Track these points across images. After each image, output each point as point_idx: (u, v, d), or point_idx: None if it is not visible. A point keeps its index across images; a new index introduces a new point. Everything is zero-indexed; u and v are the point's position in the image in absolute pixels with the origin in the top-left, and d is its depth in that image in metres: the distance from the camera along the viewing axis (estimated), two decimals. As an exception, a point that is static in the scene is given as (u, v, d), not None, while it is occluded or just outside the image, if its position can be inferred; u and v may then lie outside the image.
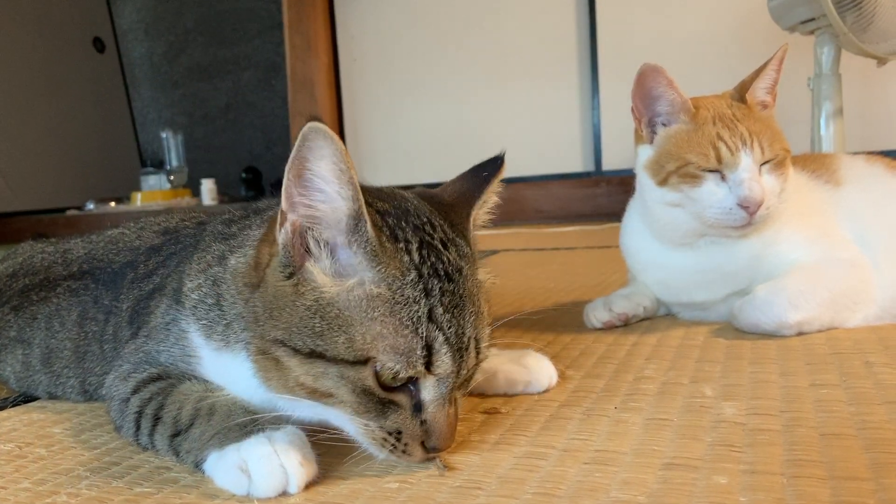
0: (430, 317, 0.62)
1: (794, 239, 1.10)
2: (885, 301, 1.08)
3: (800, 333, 1.05)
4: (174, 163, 4.94)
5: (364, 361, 0.61)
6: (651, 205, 1.14)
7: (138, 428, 0.73)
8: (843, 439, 0.67)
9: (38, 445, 0.79)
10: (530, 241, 2.73)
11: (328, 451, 0.68)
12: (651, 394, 0.84)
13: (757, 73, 1.11)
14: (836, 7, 1.99)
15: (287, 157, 0.61)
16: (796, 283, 1.05)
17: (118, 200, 4.71)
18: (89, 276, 0.97)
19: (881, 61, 2.14)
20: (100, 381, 0.88)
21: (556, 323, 1.25)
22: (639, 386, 0.87)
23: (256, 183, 4.93)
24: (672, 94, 1.08)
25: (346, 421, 0.65)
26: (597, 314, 1.19)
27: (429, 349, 0.61)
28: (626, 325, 1.20)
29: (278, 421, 0.66)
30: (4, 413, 0.91)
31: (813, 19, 2.15)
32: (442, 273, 0.64)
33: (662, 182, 1.10)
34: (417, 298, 0.61)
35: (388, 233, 0.64)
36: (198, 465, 0.66)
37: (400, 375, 0.61)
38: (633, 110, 1.14)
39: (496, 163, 0.75)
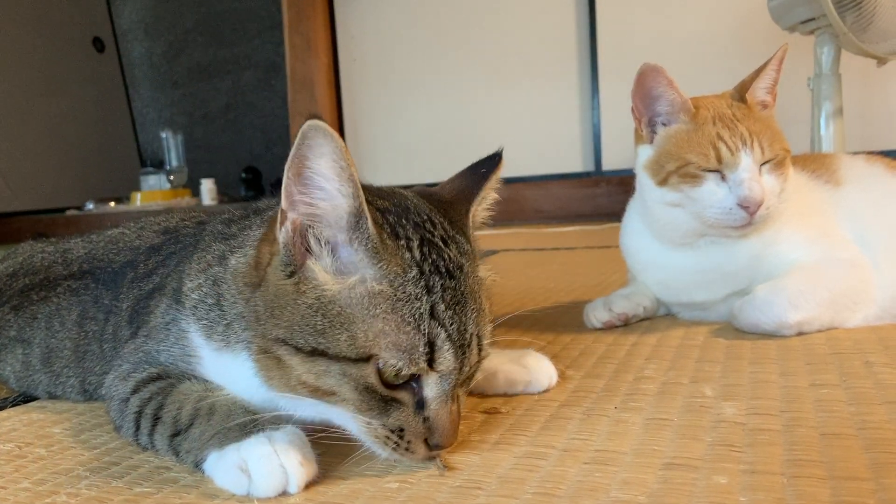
0: (433, 313, 0.62)
1: (794, 239, 1.10)
2: (885, 301, 1.08)
3: (800, 333, 1.05)
4: (174, 163, 4.94)
5: (366, 359, 0.61)
6: (651, 205, 1.14)
7: (138, 428, 0.73)
8: (843, 439, 0.67)
9: (38, 445, 0.79)
10: (530, 241, 2.73)
11: (328, 450, 0.68)
12: (651, 394, 0.84)
13: (757, 73, 1.11)
14: (836, 7, 1.99)
15: (287, 156, 0.60)
16: (796, 283, 1.05)
17: (118, 200, 4.72)
18: (89, 276, 0.97)
19: (881, 61, 2.14)
20: (99, 380, 0.88)
21: (556, 323, 1.25)
22: (639, 386, 0.87)
23: (256, 183, 4.93)
24: (672, 93, 1.08)
25: (349, 419, 0.64)
26: (597, 314, 1.19)
27: (431, 346, 0.61)
28: (626, 325, 1.20)
29: (278, 421, 0.66)
30: (4, 413, 0.91)
31: (813, 19, 2.15)
32: (443, 270, 0.64)
33: (662, 182, 1.10)
34: (419, 295, 0.61)
35: (388, 230, 0.64)
36: (197, 465, 0.66)
37: (403, 372, 0.61)
38: (633, 110, 1.14)
39: (494, 159, 0.75)
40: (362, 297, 0.61)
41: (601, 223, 3.14)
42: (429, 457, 0.65)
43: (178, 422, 0.69)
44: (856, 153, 1.27)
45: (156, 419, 0.71)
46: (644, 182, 1.15)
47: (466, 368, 0.65)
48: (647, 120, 1.13)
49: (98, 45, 5.55)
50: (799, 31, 2.27)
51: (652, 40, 3.30)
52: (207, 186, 4.50)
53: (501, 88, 3.69)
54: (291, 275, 0.63)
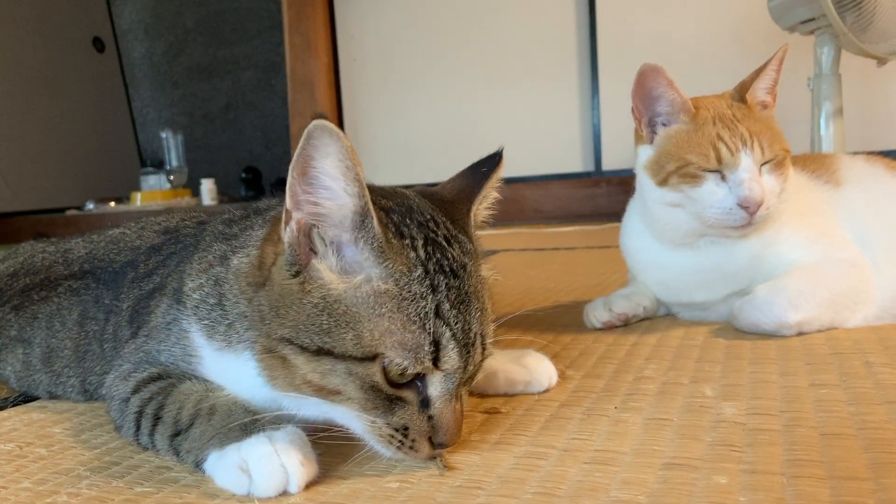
0: (438, 313, 0.62)
1: (794, 239, 1.10)
2: (885, 301, 1.09)
3: (800, 333, 1.05)
4: (174, 163, 4.95)
5: (372, 358, 0.61)
6: (651, 205, 1.14)
7: (138, 428, 0.73)
8: (843, 439, 0.67)
9: (39, 445, 0.79)
10: (530, 241, 2.73)
11: (328, 450, 0.68)
12: (651, 394, 0.84)
13: (757, 74, 1.11)
14: (836, 7, 1.99)
15: (287, 156, 0.61)
16: (796, 283, 1.05)
17: (118, 200, 4.72)
18: (90, 276, 0.97)
19: (881, 61, 2.14)
20: (100, 380, 0.88)
21: (556, 323, 1.25)
22: (639, 386, 0.87)
23: (256, 183, 4.93)
24: (672, 94, 1.08)
25: (353, 418, 0.64)
26: (597, 314, 1.20)
27: (436, 345, 0.61)
28: (626, 325, 1.20)
29: (279, 420, 0.66)
30: (5, 413, 0.92)
31: (813, 19, 2.15)
32: (447, 269, 0.64)
33: (662, 182, 1.10)
34: (424, 294, 0.62)
35: (393, 229, 0.64)
36: (198, 465, 0.66)
37: (408, 371, 0.61)
38: (633, 110, 1.14)
39: (495, 159, 0.75)
40: (368, 297, 0.61)
41: (601, 223, 3.14)
42: (432, 455, 0.65)
43: (178, 422, 0.69)
44: (856, 153, 1.27)
45: (156, 419, 0.71)
46: (644, 182, 1.15)
47: (470, 367, 0.65)
48: (647, 120, 1.13)
49: (98, 45, 5.55)
50: (799, 31, 2.27)
51: (652, 40, 3.30)
52: (207, 186, 4.50)
53: (501, 88, 3.69)
54: (297, 274, 0.63)
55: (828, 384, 0.83)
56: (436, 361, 0.62)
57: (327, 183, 0.61)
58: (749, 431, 0.70)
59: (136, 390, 0.75)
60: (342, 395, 0.63)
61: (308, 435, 0.66)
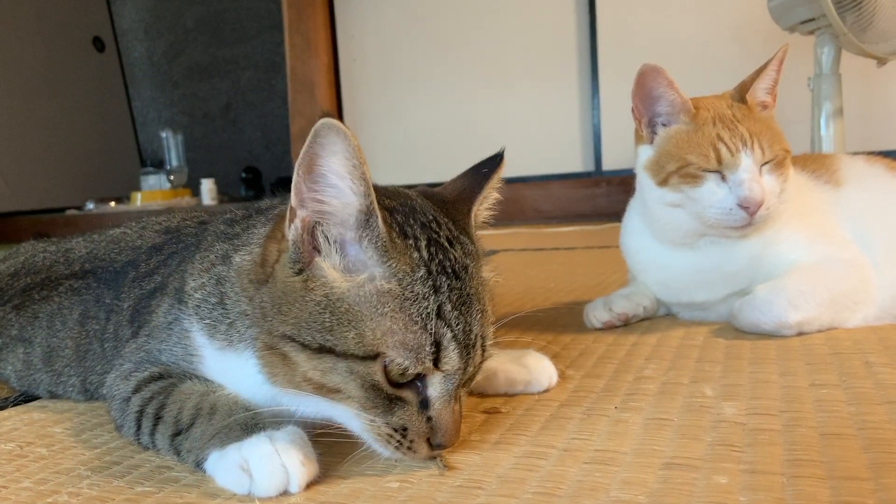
0: (439, 313, 0.62)
1: (794, 239, 1.10)
2: (885, 301, 1.09)
3: (800, 333, 1.05)
4: (174, 163, 4.95)
5: (373, 357, 0.61)
6: (651, 205, 1.14)
7: (139, 427, 0.73)
8: (843, 439, 0.67)
9: (39, 445, 0.79)
10: (530, 241, 2.73)
11: (329, 450, 0.68)
12: (651, 394, 0.84)
13: (757, 74, 1.11)
14: (836, 7, 1.99)
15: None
16: (796, 283, 1.05)
17: (118, 200, 4.72)
18: (91, 276, 0.97)
19: (881, 61, 2.14)
20: (101, 380, 0.88)
21: (556, 323, 1.25)
22: (639, 386, 0.87)
23: (256, 183, 4.93)
24: (672, 94, 1.08)
25: (352, 417, 0.65)
26: (597, 314, 1.20)
27: (437, 346, 0.62)
28: (626, 325, 1.20)
29: (279, 419, 0.66)
30: (5, 412, 0.92)
31: (813, 19, 2.15)
32: (449, 270, 0.64)
33: (663, 182, 1.10)
34: (427, 295, 0.62)
35: (397, 229, 0.64)
36: (199, 465, 0.66)
37: (409, 371, 0.61)
38: (633, 110, 1.14)
39: (496, 160, 0.75)
40: (371, 296, 0.61)
41: (601, 223, 3.14)
42: (431, 456, 0.65)
43: (179, 421, 0.69)
44: (856, 153, 1.27)
45: (157, 419, 0.71)
46: (644, 182, 1.15)
47: (470, 369, 0.65)
48: (647, 120, 1.13)
49: (98, 44, 5.55)
50: (799, 31, 2.27)
51: (652, 40, 3.30)
52: (207, 186, 4.50)
53: (501, 88, 3.69)
54: (300, 272, 0.64)
55: (828, 384, 0.83)
56: (436, 362, 0.62)
57: (333, 181, 0.61)
58: (749, 431, 0.70)
59: (136, 390, 0.75)
60: (342, 394, 0.63)
61: (308, 434, 0.66)
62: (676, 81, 1.08)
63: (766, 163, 1.05)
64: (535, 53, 3.62)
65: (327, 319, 0.62)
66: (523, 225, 3.39)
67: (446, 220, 0.69)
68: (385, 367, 0.61)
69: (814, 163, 1.20)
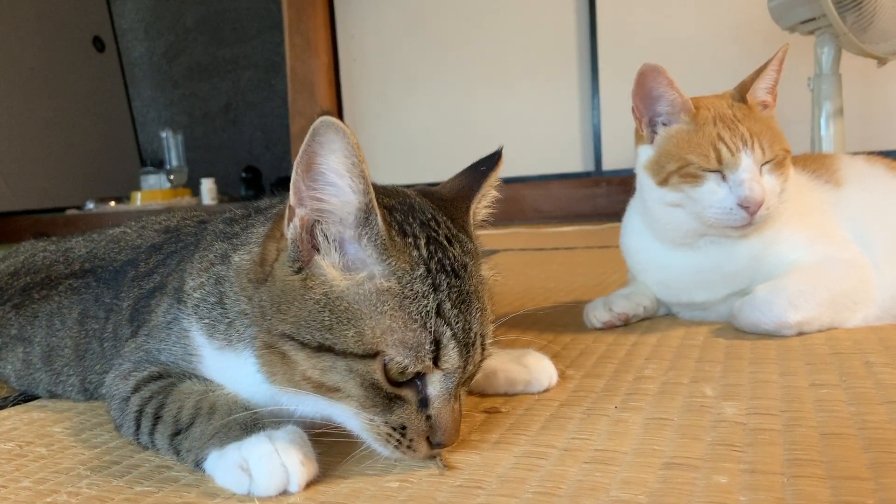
0: (439, 312, 0.62)
1: (795, 239, 1.10)
2: (885, 301, 1.09)
3: (800, 333, 1.05)
4: (174, 162, 4.95)
5: (373, 355, 0.61)
6: (651, 205, 1.14)
7: (138, 427, 0.73)
8: (843, 439, 0.67)
9: (39, 444, 0.79)
10: (530, 241, 2.73)
11: (329, 449, 0.68)
12: (651, 393, 0.84)
13: (757, 74, 1.11)
14: (836, 7, 1.99)
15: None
16: (796, 283, 1.05)
17: (118, 200, 4.72)
18: (91, 275, 0.97)
19: (881, 61, 2.14)
20: (100, 379, 0.88)
21: (556, 322, 1.25)
22: (639, 385, 0.87)
23: (256, 182, 4.93)
24: (672, 94, 1.08)
25: (351, 416, 0.64)
26: (597, 314, 1.20)
27: (437, 344, 0.61)
28: (626, 324, 1.20)
29: (278, 418, 0.66)
30: (5, 412, 0.91)
31: (813, 19, 2.15)
32: (449, 269, 0.64)
33: (663, 182, 1.10)
34: (426, 293, 0.62)
35: (396, 227, 0.64)
36: (198, 464, 0.66)
37: (408, 370, 0.61)
38: (633, 110, 1.14)
39: (494, 158, 0.75)
40: (370, 294, 0.61)
41: (601, 223, 3.14)
42: (430, 455, 0.65)
43: (178, 421, 0.69)
44: (856, 153, 1.27)
45: (156, 418, 0.71)
46: (644, 182, 1.15)
47: (470, 367, 0.65)
48: (647, 120, 1.13)
49: (98, 44, 5.55)
50: (799, 31, 2.27)
51: (652, 40, 3.31)
52: (207, 186, 4.51)
53: (501, 88, 3.69)
54: (299, 271, 0.63)
55: (828, 384, 0.83)
56: (436, 360, 0.62)
57: (332, 179, 0.61)
58: (749, 431, 0.70)
59: (136, 389, 0.75)
60: (341, 393, 0.63)
61: (308, 434, 0.66)
62: (676, 81, 1.08)
63: (767, 162, 1.05)
64: (535, 53, 3.62)
65: (326, 318, 0.62)
66: (523, 225, 3.39)
67: (445, 218, 0.69)
68: (384, 365, 0.61)
69: (814, 163, 1.20)
